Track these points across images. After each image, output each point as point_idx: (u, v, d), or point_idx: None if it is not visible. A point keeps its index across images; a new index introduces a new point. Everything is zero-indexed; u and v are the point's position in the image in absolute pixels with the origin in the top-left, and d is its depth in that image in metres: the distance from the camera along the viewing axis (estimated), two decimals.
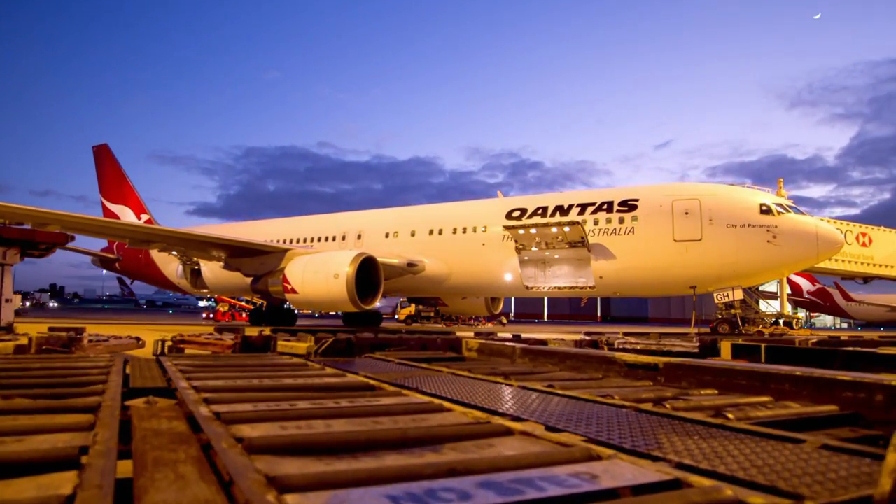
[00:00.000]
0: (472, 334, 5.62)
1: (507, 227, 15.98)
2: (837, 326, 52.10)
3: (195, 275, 21.09)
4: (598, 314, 61.86)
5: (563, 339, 5.87)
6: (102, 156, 27.75)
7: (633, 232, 14.54)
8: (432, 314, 27.70)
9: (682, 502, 1.00)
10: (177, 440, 1.42)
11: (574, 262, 15.74)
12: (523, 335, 6.95)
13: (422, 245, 17.72)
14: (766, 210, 13.62)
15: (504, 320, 35.27)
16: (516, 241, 15.91)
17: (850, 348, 4.28)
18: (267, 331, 5.28)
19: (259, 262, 17.25)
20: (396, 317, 33.70)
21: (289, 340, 4.60)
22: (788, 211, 13.92)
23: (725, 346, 4.78)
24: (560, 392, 2.38)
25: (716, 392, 2.59)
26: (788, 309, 25.07)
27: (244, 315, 36.12)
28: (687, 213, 13.93)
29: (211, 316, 36.83)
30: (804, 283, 39.46)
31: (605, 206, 15.18)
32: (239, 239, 17.69)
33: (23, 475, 1.10)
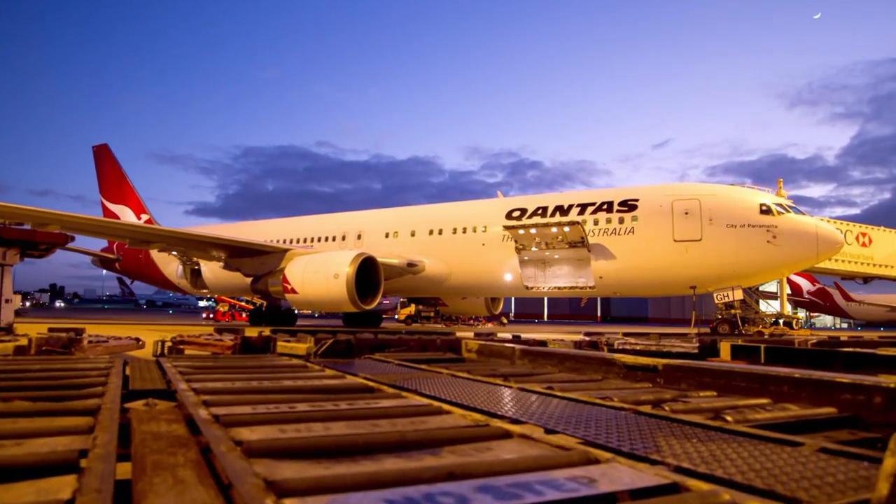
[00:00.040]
0: (471, 335, 5.62)
1: (507, 227, 15.98)
2: (837, 326, 52.10)
3: (195, 275, 21.10)
4: (598, 314, 61.90)
5: (562, 340, 5.87)
6: (102, 155, 27.77)
7: (632, 232, 14.54)
8: (432, 314, 27.70)
9: None
10: (176, 443, 1.42)
11: (574, 263, 15.74)
12: (523, 335, 6.95)
13: (422, 245, 17.72)
14: (766, 210, 13.63)
15: (504, 320, 35.27)
16: (516, 242, 15.91)
17: (850, 349, 4.28)
18: (267, 331, 5.29)
19: (259, 262, 17.26)
20: (396, 317, 33.71)
21: (288, 341, 4.61)
22: (788, 211, 13.93)
23: (725, 347, 4.79)
24: (559, 394, 2.38)
25: (715, 394, 2.60)
26: (788, 309, 25.08)
27: (244, 315, 36.11)
28: (687, 213, 13.94)
29: (211, 316, 36.80)
30: (804, 284, 39.44)
31: (604, 206, 15.19)
32: (239, 239, 17.70)
33: (22, 479, 1.10)
